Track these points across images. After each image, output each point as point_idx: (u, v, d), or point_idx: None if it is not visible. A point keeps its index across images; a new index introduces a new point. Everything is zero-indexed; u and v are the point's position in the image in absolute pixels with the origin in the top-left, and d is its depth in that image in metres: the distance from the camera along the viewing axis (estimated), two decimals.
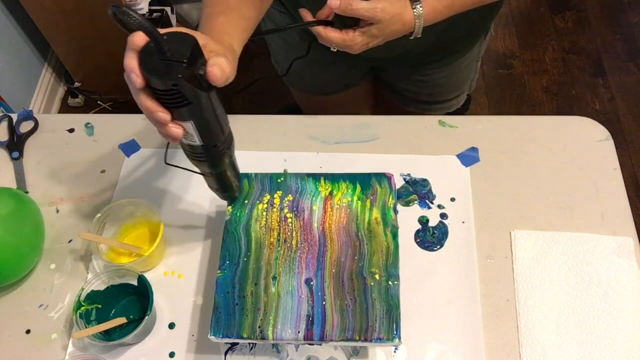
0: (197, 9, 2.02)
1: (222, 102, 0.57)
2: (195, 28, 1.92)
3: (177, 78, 0.45)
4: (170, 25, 1.83)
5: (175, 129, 0.51)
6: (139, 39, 0.46)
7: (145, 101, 0.48)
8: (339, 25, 0.70)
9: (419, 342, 0.69)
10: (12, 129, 0.92)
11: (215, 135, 0.55)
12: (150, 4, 1.75)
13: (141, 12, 1.71)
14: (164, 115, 0.49)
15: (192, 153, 0.58)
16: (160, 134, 0.52)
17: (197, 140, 0.54)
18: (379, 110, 1.23)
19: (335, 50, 0.73)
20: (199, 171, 0.63)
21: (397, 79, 1.04)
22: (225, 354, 0.70)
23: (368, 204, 0.69)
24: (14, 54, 1.78)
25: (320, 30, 0.69)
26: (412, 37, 0.72)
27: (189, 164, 0.62)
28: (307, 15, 0.71)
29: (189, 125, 0.51)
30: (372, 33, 0.69)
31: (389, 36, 0.71)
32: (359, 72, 1.05)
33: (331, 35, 0.69)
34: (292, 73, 0.88)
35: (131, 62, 0.46)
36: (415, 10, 0.69)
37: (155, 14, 1.72)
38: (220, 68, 0.49)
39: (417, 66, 0.97)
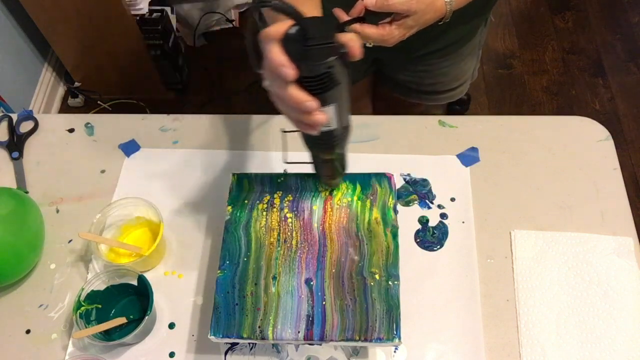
0: (198, 9, 2.02)
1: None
2: (196, 28, 1.93)
3: (332, 60, 0.44)
4: (171, 25, 1.83)
5: (321, 115, 0.48)
6: (277, 28, 0.44)
7: (297, 93, 0.46)
8: (371, 21, 0.70)
9: (419, 342, 0.69)
10: (12, 129, 0.92)
11: (348, 115, 0.53)
12: (150, 4, 1.75)
13: (141, 12, 1.71)
14: (314, 103, 0.46)
15: (325, 139, 0.55)
16: (301, 126, 0.50)
17: (334, 124, 0.52)
18: (379, 105, 1.22)
19: (371, 45, 0.73)
20: (315, 160, 0.61)
21: (399, 71, 1.04)
22: (225, 354, 0.70)
23: (368, 204, 0.69)
24: (14, 54, 1.78)
25: (357, 27, 0.69)
26: (441, 23, 0.72)
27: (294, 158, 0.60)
28: (342, 15, 0.71)
29: (331, 109, 0.49)
30: (408, 24, 0.69)
31: (423, 25, 0.71)
32: (362, 67, 1.05)
33: (368, 31, 0.69)
34: None
35: (279, 56, 0.44)
36: None
37: (155, 14, 1.72)
38: (355, 42, 0.46)
39: (420, 56, 0.97)
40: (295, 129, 0.53)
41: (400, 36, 0.70)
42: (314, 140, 0.56)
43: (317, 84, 0.46)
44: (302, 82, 0.46)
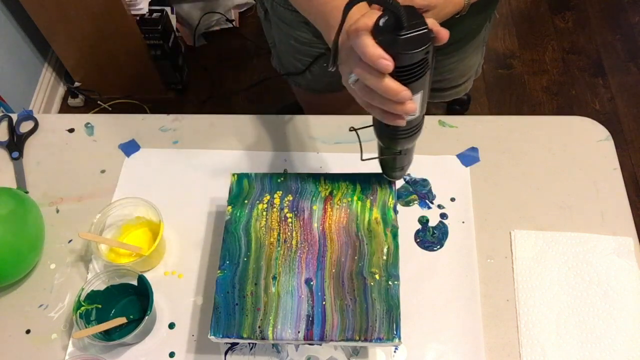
0: (198, 9, 2.02)
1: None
2: (196, 28, 1.93)
3: (428, 47, 0.43)
4: (171, 25, 1.83)
5: (412, 105, 0.47)
6: (367, 21, 0.44)
7: (393, 84, 0.45)
8: None
9: (419, 342, 0.69)
10: (12, 129, 0.92)
11: (427, 102, 0.53)
12: (150, 4, 1.75)
13: (141, 12, 1.71)
14: (408, 92, 0.45)
15: (406, 129, 0.54)
16: (389, 117, 0.49)
17: (417, 112, 0.51)
18: None
19: None
20: (386, 155, 0.61)
21: None
22: (225, 354, 0.70)
23: (368, 204, 0.69)
24: (14, 54, 1.78)
25: None
26: (458, 16, 0.71)
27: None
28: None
29: (418, 97, 0.49)
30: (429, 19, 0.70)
31: (443, 18, 0.70)
32: None
33: None
34: (298, 72, 0.87)
35: (376, 48, 0.43)
36: None
37: (155, 14, 1.72)
38: (437, 24, 0.45)
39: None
40: (365, 125, 0.54)
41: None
42: (394, 132, 0.55)
43: (410, 73, 0.45)
44: (397, 72, 0.45)
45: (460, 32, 0.92)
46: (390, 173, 0.68)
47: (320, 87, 1.09)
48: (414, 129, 0.55)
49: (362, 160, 0.62)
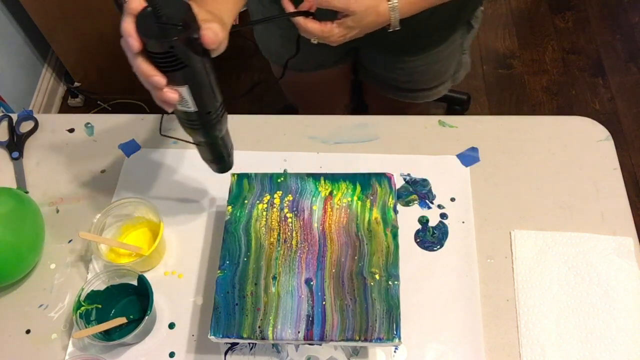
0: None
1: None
2: None
3: (173, 40, 0.48)
4: None
5: (171, 94, 0.53)
6: (136, 4, 0.49)
7: (142, 65, 0.50)
8: (320, 18, 0.71)
9: (419, 342, 0.69)
10: (12, 129, 0.92)
11: (210, 102, 0.57)
12: None
13: None
14: (160, 79, 0.51)
15: (187, 120, 0.60)
16: (157, 100, 0.54)
17: (191, 106, 0.56)
18: (359, 98, 1.22)
19: (316, 42, 0.74)
20: (192, 141, 0.66)
21: (376, 66, 1.05)
22: (225, 354, 0.70)
23: (368, 204, 0.69)
24: (14, 54, 1.78)
25: (300, 21, 0.71)
26: (390, 30, 0.74)
27: (183, 135, 0.64)
28: (288, 6, 0.73)
29: (184, 90, 0.53)
30: (348, 25, 0.71)
31: (366, 28, 0.73)
32: (331, 54, 1.04)
33: (310, 26, 0.71)
34: (270, 48, 0.88)
35: (128, 26, 0.48)
36: (390, 3, 0.71)
37: None
38: (214, 32, 0.51)
39: (394, 53, 0.98)
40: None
41: (340, 35, 0.73)
42: (181, 120, 0.61)
43: (165, 62, 0.50)
44: (152, 58, 0.50)
45: (428, 38, 0.93)
46: (208, 163, 0.71)
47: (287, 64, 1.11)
48: (193, 123, 0.60)
49: (161, 135, 0.71)
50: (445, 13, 0.84)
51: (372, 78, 1.09)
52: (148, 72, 0.50)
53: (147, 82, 0.52)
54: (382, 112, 0.94)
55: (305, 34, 0.73)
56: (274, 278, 0.65)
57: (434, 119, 0.88)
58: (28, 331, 0.74)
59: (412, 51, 0.96)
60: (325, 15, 0.71)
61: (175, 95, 0.53)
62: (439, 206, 0.80)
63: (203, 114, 0.58)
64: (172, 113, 0.59)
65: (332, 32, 0.71)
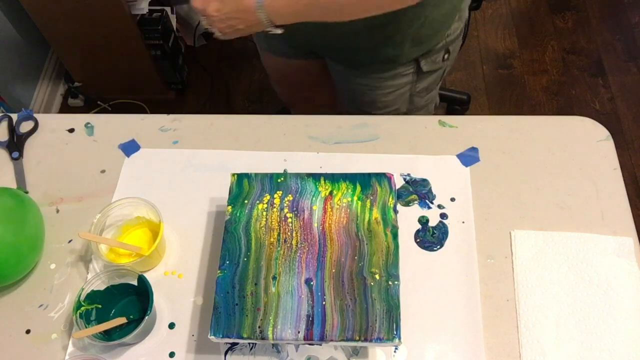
0: None
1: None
2: (196, 28, 1.93)
3: None
4: (171, 25, 1.83)
5: None
6: None
7: None
8: None
9: (419, 342, 0.69)
10: (12, 129, 0.92)
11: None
12: (150, 4, 1.75)
13: (141, 12, 1.71)
14: None
15: None
16: None
17: None
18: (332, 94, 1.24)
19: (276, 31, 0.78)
20: None
21: (334, 73, 1.06)
22: (225, 354, 0.70)
23: (368, 204, 0.69)
24: (14, 54, 1.78)
25: None
26: (269, 30, 0.76)
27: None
28: None
29: None
30: (214, 6, 0.74)
31: (229, 14, 0.75)
32: (291, 45, 1.05)
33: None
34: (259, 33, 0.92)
35: None
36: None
37: (155, 14, 1.72)
38: None
39: (344, 64, 1.00)
40: None
41: (215, 10, 0.74)
42: None
43: None
44: None
45: (355, 57, 0.95)
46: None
47: (260, 44, 1.12)
48: None
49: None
50: (368, 39, 0.86)
51: (336, 85, 1.10)
52: None
53: None
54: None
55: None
56: (274, 278, 0.65)
57: (434, 119, 0.88)
58: (28, 331, 0.74)
59: (356, 67, 0.97)
60: None
61: None
62: (439, 206, 0.80)
63: None
64: None
65: (209, 3, 0.74)
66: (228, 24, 0.76)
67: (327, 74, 1.10)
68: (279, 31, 0.76)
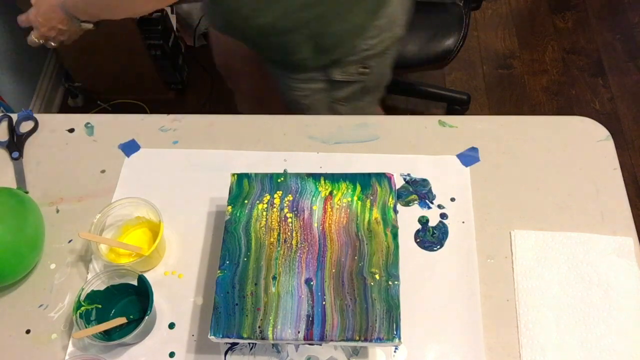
0: (197, 9, 2.02)
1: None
2: (196, 28, 1.93)
3: None
4: (171, 25, 1.83)
5: None
6: None
7: None
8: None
9: (419, 342, 0.69)
10: (12, 129, 0.92)
11: None
12: None
13: None
14: None
15: None
16: None
17: None
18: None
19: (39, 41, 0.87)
20: None
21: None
22: (225, 354, 0.70)
23: (368, 204, 0.69)
24: (14, 54, 1.78)
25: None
26: (79, 26, 0.82)
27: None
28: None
29: None
30: (32, 11, 0.84)
31: (44, 15, 0.83)
32: (219, 30, 1.05)
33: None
34: None
35: None
36: None
37: (155, 14, 1.72)
38: None
39: (262, 56, 1.00)
40: None
41: (35, 13, 0.84)
42: None
43: None
44: None
45: (265, 53, 0.96)
46: None
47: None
48: None
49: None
50: (275, 43, 0.89)
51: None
52: None
53: None
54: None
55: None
56: (274, 278, 0.65)
57: (433, 119, 0.88)
58: (28, 331, 0.74)
59: (273, 63, 0.98)
60: None
61: None
62: (439, 206, 0.80)
63: None
64: None
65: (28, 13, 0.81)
66: (49, 26, 0.81)
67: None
68: (90, 26, 0.81)
